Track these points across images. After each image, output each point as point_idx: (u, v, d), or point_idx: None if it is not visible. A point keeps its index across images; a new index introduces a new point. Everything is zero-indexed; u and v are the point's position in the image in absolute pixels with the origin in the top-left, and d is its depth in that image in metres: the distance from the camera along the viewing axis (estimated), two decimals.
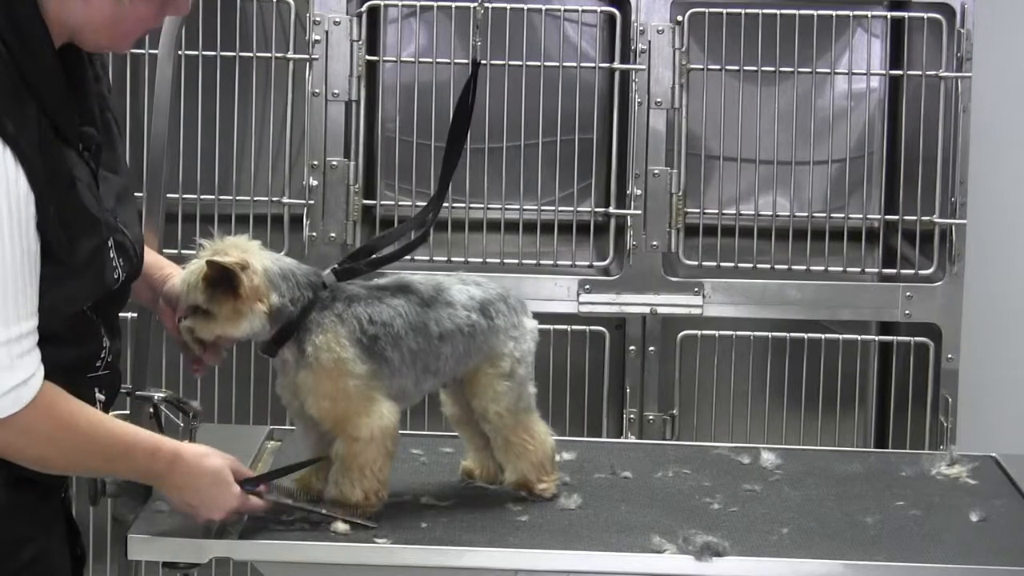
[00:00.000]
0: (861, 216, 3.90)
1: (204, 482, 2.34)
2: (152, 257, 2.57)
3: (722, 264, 3.78)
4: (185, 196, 3.71)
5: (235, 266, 2.41)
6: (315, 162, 3.72)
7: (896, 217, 3.87)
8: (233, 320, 2.43)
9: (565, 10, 3.92)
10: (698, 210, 3.80)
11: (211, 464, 2.35)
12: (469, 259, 3.70)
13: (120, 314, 2.37)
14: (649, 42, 3.72)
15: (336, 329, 2.47)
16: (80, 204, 2.16)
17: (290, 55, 3.72)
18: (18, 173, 2.07)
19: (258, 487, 2.42)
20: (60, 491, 2.36)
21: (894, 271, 3.79)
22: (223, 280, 2.42)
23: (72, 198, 2.15)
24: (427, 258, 3.66)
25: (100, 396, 2.32)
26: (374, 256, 2.58)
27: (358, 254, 2.58)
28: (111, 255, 2.24)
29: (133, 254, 2.31)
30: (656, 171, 3.74)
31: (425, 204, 2.66)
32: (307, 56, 3.69)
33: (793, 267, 3.76)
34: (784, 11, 3.73)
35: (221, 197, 3.75)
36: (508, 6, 3.72)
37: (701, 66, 3.77)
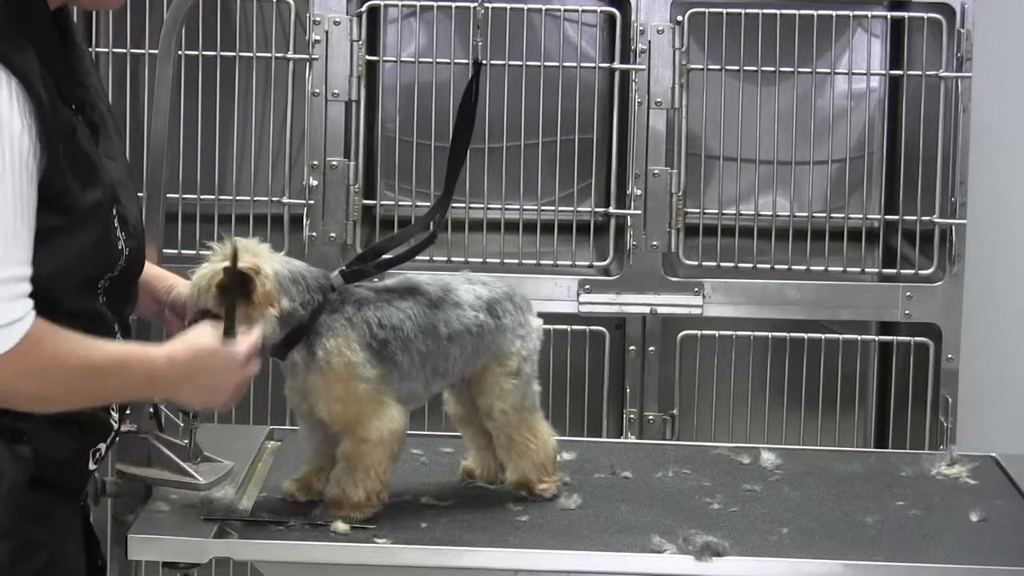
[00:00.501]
0: (861, 216, 3.90)
1: (211, 362, 2.30)
2: (155, 270, 2.56)
3: (722, 264, 3.78)
4: (185, 196, 3.71)
5: (251, 271, 2.41)
6: (315, 162, 3.72)
7: (896, 217, 3.87)
8: (245, 325, 2.43)
9: (565, 10, 3.92)
10: (698, 210, 3.80)
11: (206, 343, 2.30)
12: (469, 259, 3.69)
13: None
14: (649, 42, 3.72)
15: (347, 333, 2.47)
16: (82, 149, 2.16)
17: (290, 55, 3.72)
18: (12, 108, 2.05)
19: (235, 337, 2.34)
20: (79, 496, 2.35)
21: (894, 271, 3.79)
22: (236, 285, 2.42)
23: (75, 143, 2.14)
24: (427, 258, 3.66)
25: None
26: (382, 258, 2.58)
27: (366, 256, 2.58)
28: (115, 224, 2.24)
29: (135, 233, 2.30)
30: (656, 171, 3.74)
31: (431, 205, 2.66)
32: (307, 56, 3.69)
33: (793, 267, 3.76)
34: (784, 11, 3.73)
35: (221, 197, 3.75)
36: (508, 6, 3.71)
37: (701, 66, 3.77)
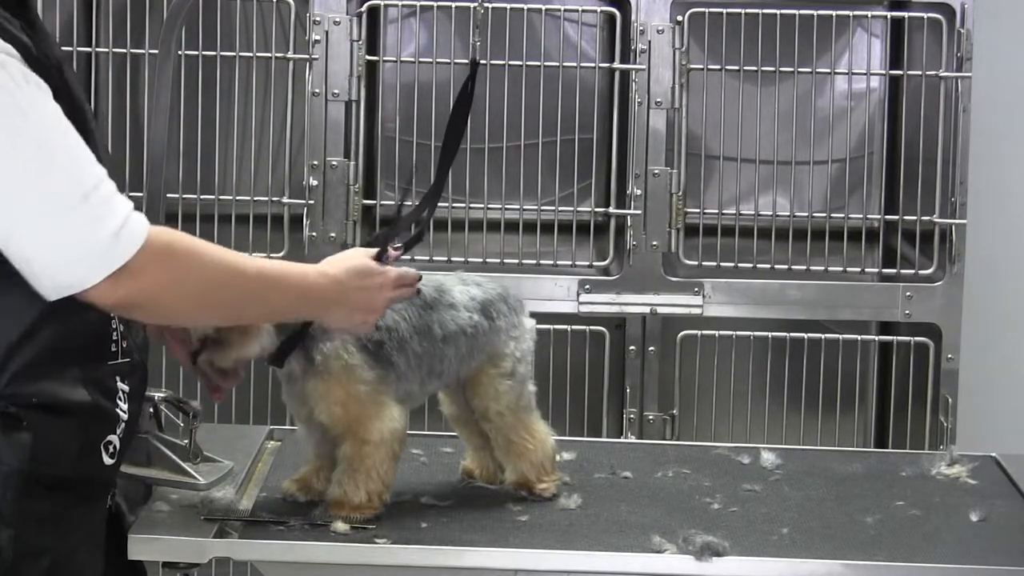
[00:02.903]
0: (861, 216, 3.90)
1: (364, 282, 2.32)
2: None
3: (722, 264, 3.78)
4: (185, 196, 3.71)
5: None
6: (315, 162, 3.72)
7: (896, 217, 3.87)
8: (244, 341, 2.43)
9: (565, 10, 3.92)
10: (698, 210, 3.80)
11: (360, 262, 2.31)
12: (469, 259, 3.70)
13: None
14: (649, 42, 3.72)
15: (342, 336, 2.47)
16: (67, 84, 2.16)
17: (290, 55, 3.72)
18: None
19: (388, 257, 2.36)
20: (101, 498, 2.34)
21: (894, 271, 3.79)
22: None
23: (64, 80, 2.15)
24: (427, 258, 3.66)
25: (123, 386, 2.29)
26: None
27: None
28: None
29: None
30: (656, 171, 3.74)
31: (418, 203, 2.65)
32: (307, 56, 3.69)
33: (793, 267, 3.76)
34: (784, 11, 3.73)
35: (221, 197, 3.75)
36: (508, 6, 3.72)
37: (701, 66, 3.77)
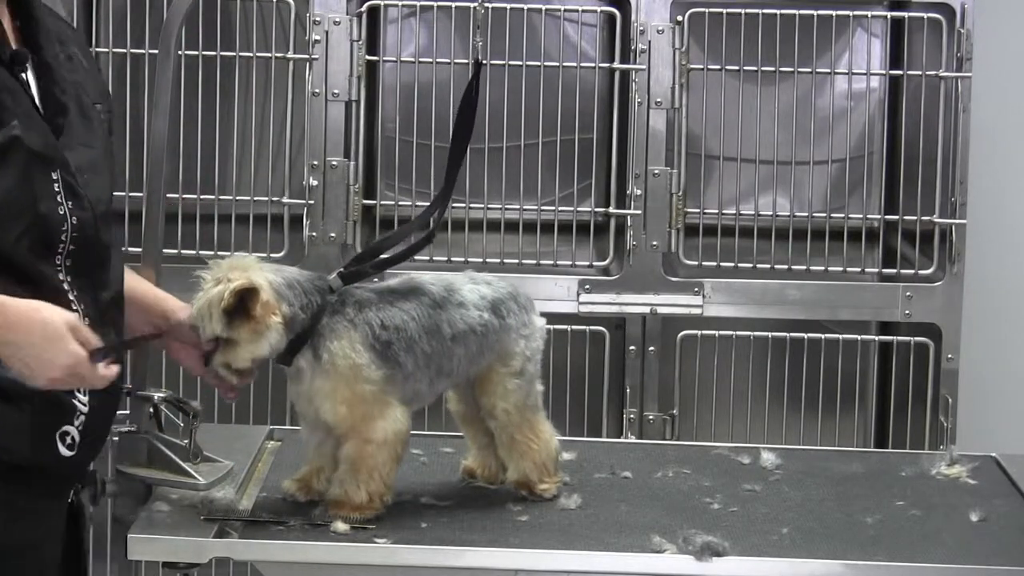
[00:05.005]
0: (861, 216, 3.90)
1: (35, 336, 2.16)
2: (151, 294, 2.54)
3: (722, 264, 3.78)
4: (185, 196, 3.71)
5: (248, 287, 2.40)
6: (315, 162, 3.72)
7: (896, 217, 3.87)
8: (255, 340, 2.43)
9: (565, 10, 3.92)
10: (698, 210, 3.80)
11: (41, 316, 2.17)
12: (469, 259, 3.69)
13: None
14: (649, 42, 3.72)
15: (350, 335, 2.47)
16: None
17: (290, 55, 3.72)
18: None
19: (106, 358, 2.23)
20: (59, 493, 2.34)
21: (894, 271, 3.79)
22: (237, 304, 2.42)
23: None
24: (427, 258, 3.66)
25: None
26: (380, 258, 2.57)
27: (363, 256, 2.57)
28: (53, 187, 2.22)
29: (88, 206, 2.27)
30: (656, 171, 3.74)
31: (429, 204, 2.65)
32: (307, 56, 3.69)
33: (793, 267, 3.76)
34: (784, 11, 3.73)
35: (221, 197, 3.75)
36: (508, 6, 3.71)
37: (701, 66, 3.77)
